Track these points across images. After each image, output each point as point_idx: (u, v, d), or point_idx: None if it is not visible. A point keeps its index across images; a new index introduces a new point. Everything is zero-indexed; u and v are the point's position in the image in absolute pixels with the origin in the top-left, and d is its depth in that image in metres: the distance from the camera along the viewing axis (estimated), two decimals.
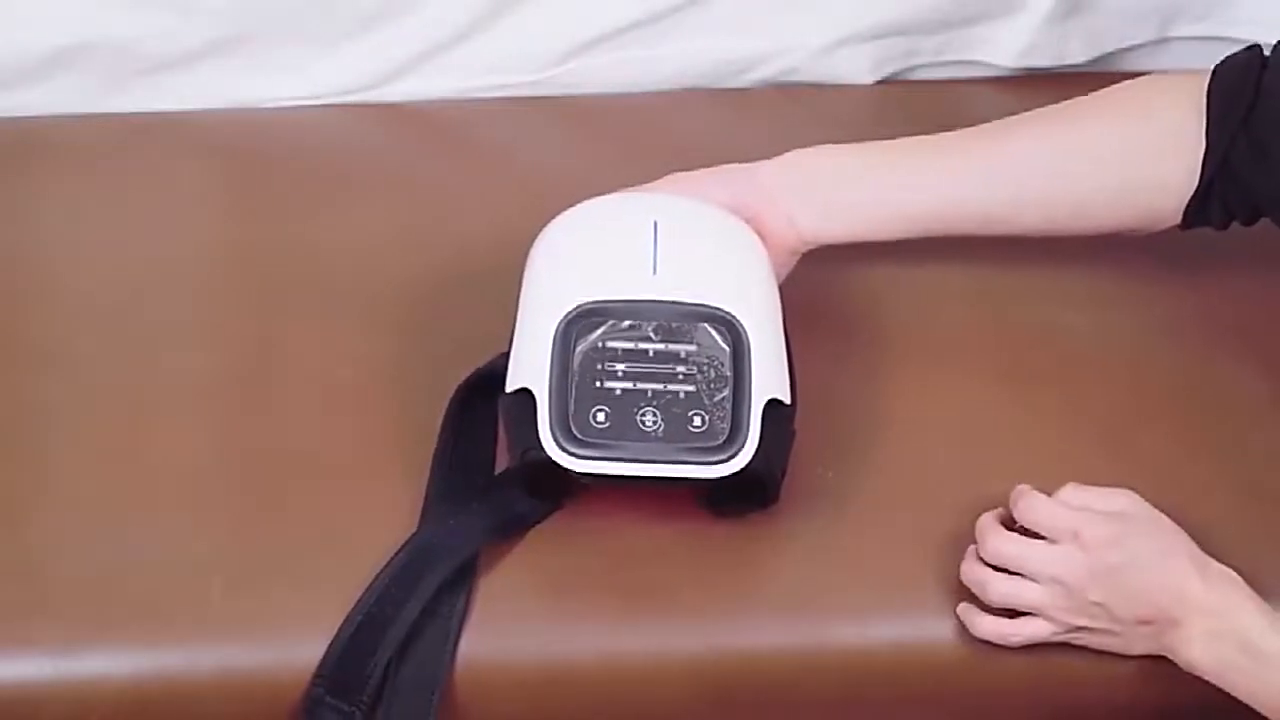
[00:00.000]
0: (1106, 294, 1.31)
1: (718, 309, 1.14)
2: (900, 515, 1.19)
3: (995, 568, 1.13)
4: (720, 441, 1.11)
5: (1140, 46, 1.61)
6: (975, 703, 1.18)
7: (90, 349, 1.29)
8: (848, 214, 1.25)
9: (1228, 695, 1.09)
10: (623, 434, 1.11)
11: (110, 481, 1.20)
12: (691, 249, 1.19)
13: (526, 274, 1.21)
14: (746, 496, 1.15)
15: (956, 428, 1.25)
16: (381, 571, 1.13)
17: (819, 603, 1.17)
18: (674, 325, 1.14)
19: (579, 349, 1.13)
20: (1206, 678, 1.09)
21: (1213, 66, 1.24)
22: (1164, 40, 1.61)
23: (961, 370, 1.28)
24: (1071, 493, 1.14)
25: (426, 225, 1.40)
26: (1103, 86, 1.27)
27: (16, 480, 1.20)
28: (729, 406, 1.12)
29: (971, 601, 1.14)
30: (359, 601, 1.12)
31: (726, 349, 1.13)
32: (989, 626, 1.13)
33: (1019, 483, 1.15)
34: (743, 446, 1.12)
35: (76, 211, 1.42)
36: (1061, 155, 1.26)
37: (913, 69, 1.60)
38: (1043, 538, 1.13)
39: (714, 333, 1.14)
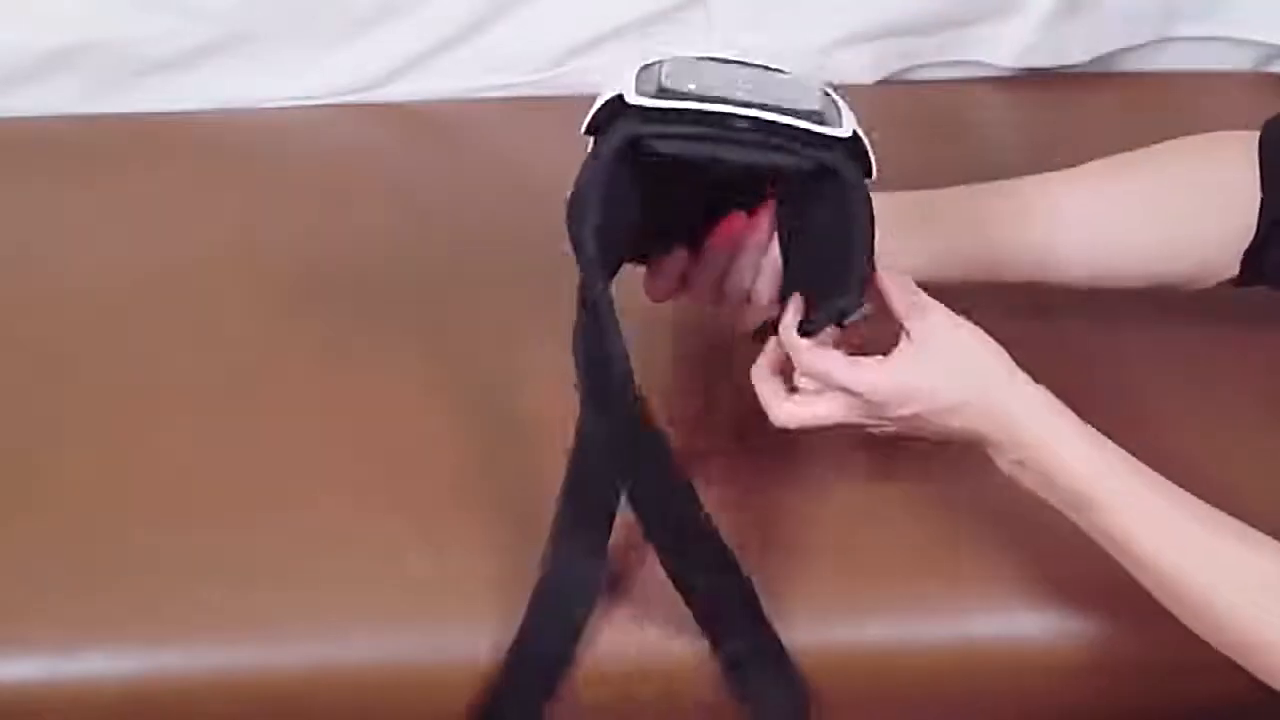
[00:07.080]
0: (1107, 294, 1.31)
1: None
2: (899, 515, 1.19)
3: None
4: (817, 113, 1.09)
5: (1140, 47, 1.61)
6: (975, 703, 1.18)
7: (90, 349, 1.30)
8: (908, 255, 1.20)
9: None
10: (711, 93, 1.07)
11: (110, 481, 1.20)
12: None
13: None
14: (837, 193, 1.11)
15: None
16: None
17: (820, 603, 1.17)
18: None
19: (667, 64, 1.09)
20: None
21: (1263, 124, 1.22)
22: (1164, 40, 1.61)
23: None
24: None
25: (426, 225, 1.40)
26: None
27: (15, 480, 1.21)
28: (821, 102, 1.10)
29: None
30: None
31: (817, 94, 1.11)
32: (786, 410, 1.10)
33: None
34: (842, 121, 1.10)
35: (77, 212, 1.42)
36: (1118, 204, 1.24)
37: (913, 69, 1.61)
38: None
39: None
